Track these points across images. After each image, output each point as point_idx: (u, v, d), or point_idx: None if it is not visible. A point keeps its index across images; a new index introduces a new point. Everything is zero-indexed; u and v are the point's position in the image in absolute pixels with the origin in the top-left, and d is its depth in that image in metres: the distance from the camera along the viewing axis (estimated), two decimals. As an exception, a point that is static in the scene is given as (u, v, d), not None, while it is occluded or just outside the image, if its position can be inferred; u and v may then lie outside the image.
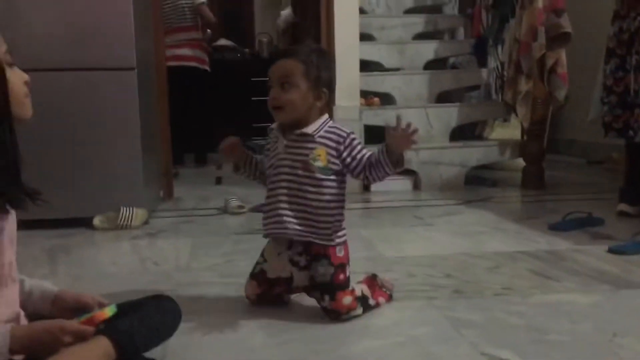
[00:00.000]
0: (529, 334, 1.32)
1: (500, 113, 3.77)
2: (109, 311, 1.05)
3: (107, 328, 1.02)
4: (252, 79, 5.16)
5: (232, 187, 3.37)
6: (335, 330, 1.37)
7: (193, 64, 4.52)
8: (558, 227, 2.29)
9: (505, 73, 3.65)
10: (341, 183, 1.45)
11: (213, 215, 2.76)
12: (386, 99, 3.68)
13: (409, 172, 3.38)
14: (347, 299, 1.41)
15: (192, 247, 2.16)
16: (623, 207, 2.48)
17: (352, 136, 1.43)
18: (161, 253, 2.12)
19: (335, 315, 1.41)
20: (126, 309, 1.10)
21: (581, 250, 2.01)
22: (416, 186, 3.37)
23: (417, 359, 1.21)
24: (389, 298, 1.54)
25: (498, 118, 3.94)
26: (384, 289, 1.55)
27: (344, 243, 1.46)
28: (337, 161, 1.42)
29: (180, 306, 1.24)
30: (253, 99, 5.00)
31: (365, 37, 3.86)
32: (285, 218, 1.42)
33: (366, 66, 3.64)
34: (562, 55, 3.13)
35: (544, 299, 1.55)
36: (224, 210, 2.81)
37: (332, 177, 1.42)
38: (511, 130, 3.86)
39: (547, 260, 1.90)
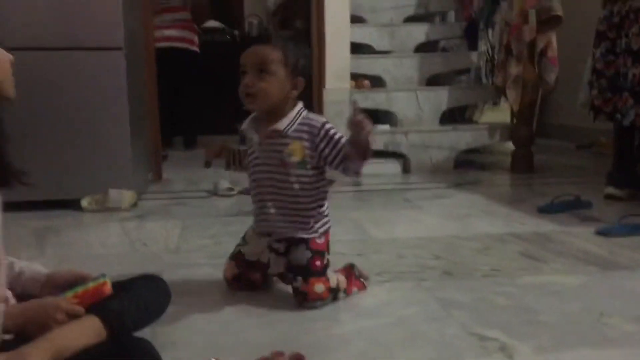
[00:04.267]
0: (517, 315, 1.34)
1: (490, 97, 3.78)
2: (105, 280, 1.05)
3: (97, 308, 1.01)
4: (242, 61, 5.11)
5: (222, 169, 3.34)
6: (326, 311, 1.37)
7: (182, 45, 4.47)
8: (546, 210, 2.31)
9: (495, 56, 3.65)
10: (321, 174, 1.43)
11: (202, 198, 2.75)
12: (376, 82, 3.66)
13: (399, 156, 3.38)
14: (319, 287, 1.37)
15: (181, 229, 2.15)
16: (611, 190, 2.50)
17: (327, 126, 1.39)
18: (150, 235, 2.11)
19: (303, 298, 1.37)
20: (116, 289, 1.09)
21: (569, 232, 2.02)
22: (406, 169, 3.38)
23: (408, 339, 1.22)
24: (364, 288, 1.50)
25: (488, 102, 3.95)
26: (361, 279, 1.51)
27: (326, 232, 1.46)
28: (313, 153, 1.39)
29: (169, 287, 1.24)
30: (243, 81, 4.95)
31: (356, 19, 3.83)
32: (269, 217, 1.43)
33: (357, 48, 3.61)
34: (553, 38, 3.13)
35: (532, 280, 1.57)
36: (214, 193, 2.80)
37: (311, 171, 1.40)
38: (501, 114, 3.86)
39: (535, 242, 1.92)
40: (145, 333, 1.10)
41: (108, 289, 1.05)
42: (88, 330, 0.96)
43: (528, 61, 3.17)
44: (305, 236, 1.42)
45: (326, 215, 1.47)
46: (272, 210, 1.43)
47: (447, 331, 1.25)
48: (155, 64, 3.17)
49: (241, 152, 1.53)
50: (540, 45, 3.11)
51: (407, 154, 3.36)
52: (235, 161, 1.54)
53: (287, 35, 1.44)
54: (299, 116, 1.40)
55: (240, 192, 2.74)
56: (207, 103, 4.83)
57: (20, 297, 1.08)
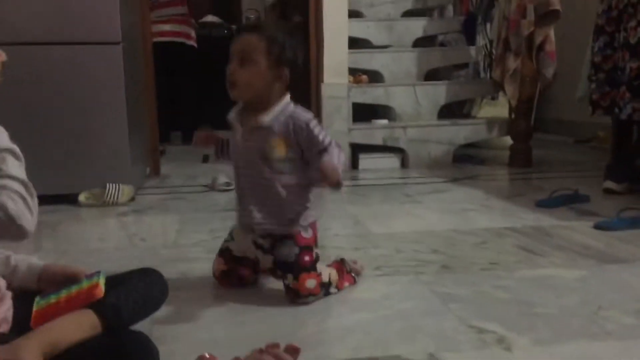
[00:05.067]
0: (515, 307, 1.34)
1: (488, 91, 3.77)
2: (99, 281, 1.03)
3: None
4: (240, 56, 5.10)
5: (220, 164, 3.35)
6: (322, 305, 1.37)
7: (180, 39, 4.45)
8: (545, 204, 2.30)
9: (493, 51, 3.64)
10: (305, 165, 1.39)
11: (200, 192, 2.75)
12: (375, 77, 3.65)
13: (397, 150, 3.37)
14: (310, 282, 1.35)
15: (179, 224, 2.15)
16: (609, 184, 2.49)
17: (312, 124, 1.35)
18: (148, 229, 2.11)
19: (295, 295, 1.36)
20: (113, 282, 1.08)
21: (567, 226, 2.02)
22: (404, 164, 3.37)
23: (405, 332, 1.22)
24: (354, 282, 1.49)
25: (486, 96, 3.94)
26: (352, 273, 1.50)
27: (312, 224, 1.43)
28: (297, 150, 1.36)
29: (167, 281, 1.24)
30: (240, 76, 4.93)
31: (354, 14, 3.82)
32: (249, 212, 1.39)
33: (355, 43, 3.60)
34: (551, 32, 3.12)
35: (530, 274, 1.57)
36: (211, 187, 2.79)
37: (293, 165, 1.37)
38: (499, 109, 3.86)
39: (534, 236, 1.92)
40: (142, 327, 1.10)
41: (100, 292, 1.01)
42: (84, 324, 0.95)
43: (526, 55, 3.16)
44: (289, 231, 1.39)
45: (311, 208, 1.43)
46: (252, 206, 1.40)
47: (445, 324, 1.25)
48: (152, 58, 3.16)
49: (229, 141, 1.50)
50: (538, 39, 3.10)
51: (405, 149, 3.36)
52: (224, 151, 1.51)
53: (282, 26, 1.39)
54: (285, 110, 1.37)
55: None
56: (205, 98, 4.81)
57: (17, 291, 1.08)
